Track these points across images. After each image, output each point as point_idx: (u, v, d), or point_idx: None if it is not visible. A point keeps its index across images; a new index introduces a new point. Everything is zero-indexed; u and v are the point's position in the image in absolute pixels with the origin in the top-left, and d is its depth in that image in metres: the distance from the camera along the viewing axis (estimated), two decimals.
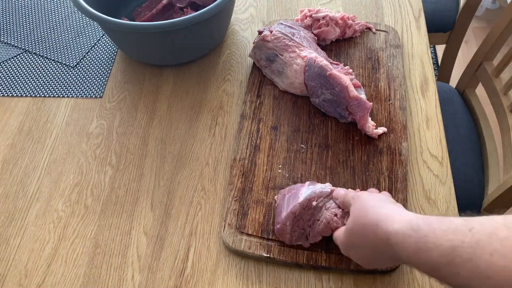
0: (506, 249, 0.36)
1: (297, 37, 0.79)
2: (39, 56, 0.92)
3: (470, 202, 0.98)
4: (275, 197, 0.67)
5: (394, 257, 0.48)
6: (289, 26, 0.81)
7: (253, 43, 0.82)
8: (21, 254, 0.67)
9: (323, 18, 0.84)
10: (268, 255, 0.63)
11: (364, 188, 0.68)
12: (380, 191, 0.67)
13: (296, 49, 0.77)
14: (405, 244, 0.44)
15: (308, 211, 0.61)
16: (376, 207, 0.51)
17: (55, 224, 0.70)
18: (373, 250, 0.51)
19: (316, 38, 0.84)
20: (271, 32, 0.80)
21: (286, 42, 0.78)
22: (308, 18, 0.85)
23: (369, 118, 0.73)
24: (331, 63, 0.76)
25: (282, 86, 0.80)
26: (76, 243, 0.68)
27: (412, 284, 0.61)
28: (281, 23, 0.82)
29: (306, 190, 0.62)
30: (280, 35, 0.79)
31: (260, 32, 0.81)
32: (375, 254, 0.51)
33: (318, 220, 0.61)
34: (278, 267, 0.64)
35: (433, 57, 1.88)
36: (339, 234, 0.58)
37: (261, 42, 0.80)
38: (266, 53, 0.80)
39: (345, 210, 0.60)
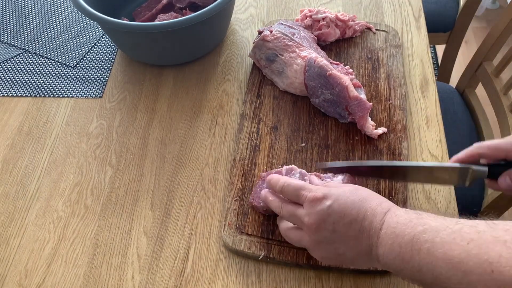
0: (481, 241, 0.39)
1: (297, 37, 0.79)
2: (39, 56, 0.92)
3: (470, 202, 0.98)
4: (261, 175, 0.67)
5: (370, 236, 0.48)
6: (289, 26, 0.81)
7: (253, 43, 0.82)
8: (21, 254, 0.67)
9: (323, 19, 0.84)
10: (268, 255, 0.63)
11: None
12: (380, 191, 0.68)
13: (296, 49, 0.77)
14: (400, 218, 0.47)
15: None
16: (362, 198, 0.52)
17: (55, 224, 0.70)
18: (360, 213, 0.50)
19: (316, 38, 0.84)
20: (271, 32, 0.80)
21: (286, 42, 0.78)
22: (308, 18, 0.85)
23: (369, 118, 0.73)
24: (331, 63, 0.76)
25: (282, 86, 0.80)
26: (76, 243, 0.68)
27: (412, 285, 0.61)
28: (281, 23, 0.82)
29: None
30: (280, 35, 0.79)
31: (260, 32, 0.81)
32: (356, 216, 0.50)
33: None
34: (278, 267, 0.64)
35: (433, 57, 1.88)
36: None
37: (261, 42, 0.80)
38: (266, 53, 0.80)
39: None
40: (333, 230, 0.51)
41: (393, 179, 0.67)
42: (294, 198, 0.56)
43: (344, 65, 0.77)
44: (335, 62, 0.78)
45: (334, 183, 0.59)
